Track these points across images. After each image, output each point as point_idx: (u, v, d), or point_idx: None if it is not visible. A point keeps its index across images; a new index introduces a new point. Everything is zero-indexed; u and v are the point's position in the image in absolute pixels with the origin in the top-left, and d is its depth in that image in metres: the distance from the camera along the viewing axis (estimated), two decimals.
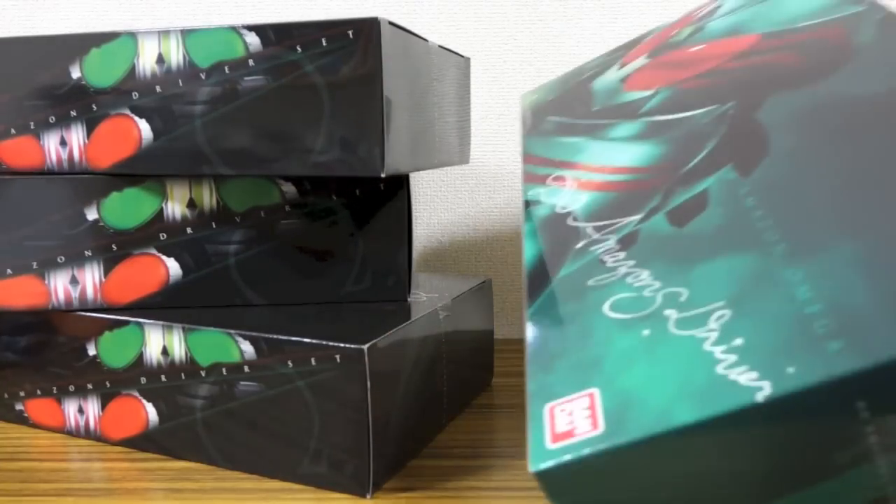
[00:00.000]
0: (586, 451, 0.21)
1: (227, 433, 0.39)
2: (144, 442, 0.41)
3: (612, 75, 0.40)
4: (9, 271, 0.42)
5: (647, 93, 0.37)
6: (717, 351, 0.22)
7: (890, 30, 0.30)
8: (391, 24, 0.37)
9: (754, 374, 0.21)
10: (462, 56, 0.50)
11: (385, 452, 0.37)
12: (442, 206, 0.65)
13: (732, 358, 0.22)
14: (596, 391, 0.23)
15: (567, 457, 0.22)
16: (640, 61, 0.40)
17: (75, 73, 0.40)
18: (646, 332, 0.24)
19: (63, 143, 0.41)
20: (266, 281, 0.42)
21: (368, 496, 0.36)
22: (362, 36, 0.36)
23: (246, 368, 0.38)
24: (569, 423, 0.23)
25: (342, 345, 0.35)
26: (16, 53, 0.40)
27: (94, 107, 0.40)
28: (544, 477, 0.22)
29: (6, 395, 0.45)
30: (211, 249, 0.42)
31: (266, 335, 0.37)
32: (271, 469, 0.38)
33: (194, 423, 0.40)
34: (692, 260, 0.26)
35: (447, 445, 0.42)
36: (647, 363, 0.23)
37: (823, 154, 0.27)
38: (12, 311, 0.42)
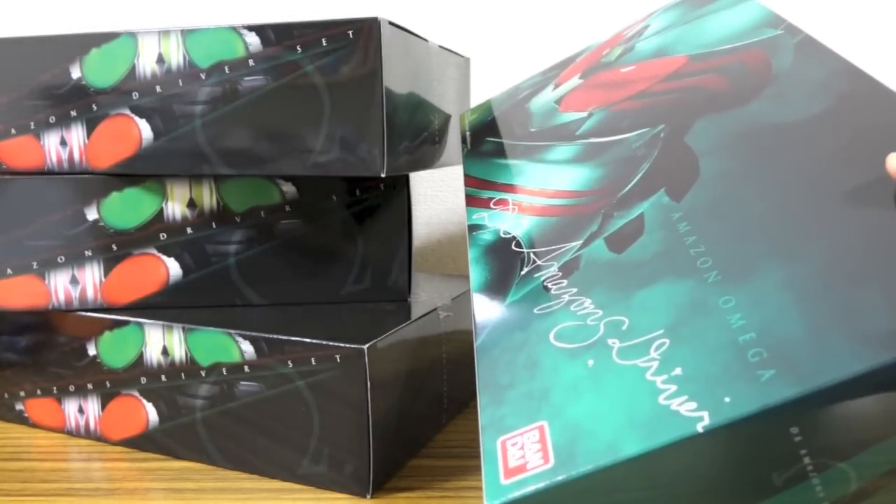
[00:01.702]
0: (538, 485, 0.22)
1: (227, 433, 0.39)
2: (144, 442, 0.41)
3: (548, 95, 0.41)
4: (9, 271, 0.42)
5: (582, 114, 0.37)
6: (658, 381, 0.23)
7: (804, 54, 0.32)
8: (391, 24, 0.37)
9: (693, 405, 0.21)
10: (462, 56, 0.50)
11: (385, 452, 0.37)
12: (442, 206, 0.65)
13: (673, 388, 0.22)
14: (545, 424, 0.24)
15: (520, 492, 0.22)
16: (574, 81, 0.41)
17: (75, 73, 0.40)
18: (591, 361, 0.25)
19: (63, 143, 0.41)
20: (266, 281, 0.42)
21: (368, 496, 0.36)
22: (362, 36, 0.36)
23: (246, 368, 0.38)
24: (520, 457, 0.23)
25: (342, 345, 0.35)
26: (16, 53, 0.40)
27: (95, 107, 0.40)
28: None
29: (6, 395, 0.45)
30: (211, 249, 0.42)
31: (266, 335, 0.37)
32: (271, 469, 0.38)
33: (194, 423, 0.40)
34: (632, 287, 0.27)
35: (447, 445, 0.42)
36: (593, 394, 0.24)
37: (750, 178, 0.28)
38: (12, 311, 0.42)
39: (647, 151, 0.32)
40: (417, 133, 0.41)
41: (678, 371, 0.23)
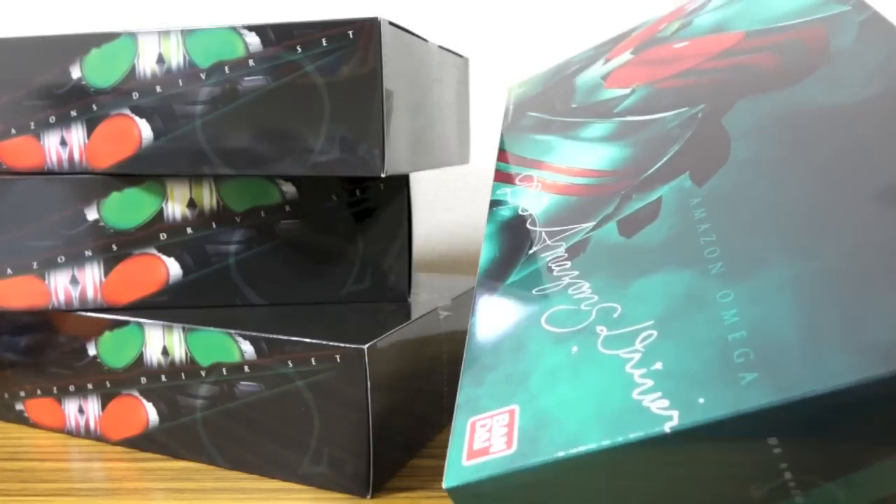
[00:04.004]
0: (495, 471, 0.21)
1: (227, 433, 0.39)
2: (144, 442, 0.41)
3: (596, 70, 0.40)
4: (9, 271, 0.42)
5: (625, 91, 0.36)
6: (637, 374, 0.22)
7: (869, 33, 0.29)
8: (391, 24, 0.37)
9: (665, 403, 0.20)
10: (462, 56, 0.50)
11: (385, 452, 0.37)
12: (442, 206, 0.65)
13: (649, 383, 0.21)
14: (517, 408, 0.23)
15: (476, 476, 0.22)
16: (625, 57, 0.39)
17: (75, 73, 0.40)
18: (575, 348, 0.24)
19: (63, 143, 0.41)
20: (266, 281, 0.42)
21: (368, 496, 0.36)
22: (362, 36, 0.36)
23: (246, 368, 0.38)
24: (486, 440, 0.22)
25: (342, 345, 0.35)
26: (16, 53, 0.40)
27: (95, 107, 0.40)
28: (455, 494, 0.22)
29: (6, 395, 0.45)
30: (211, 249, 0.42)
31: (266, 335, 0.37)
32: (271, 469, 0.38)
33: (194, 423, 0.40)
34: (632, 274, 0.25)
35: (447, 445, 0.42)
36: (569, 382, 0.23)
37: (780, 165, 0.26)
38: (12, 311, 0.42)
39: (681, 132, 0.30)
40: (417, 133, 0.41)
41: (658, 366, 0.21)
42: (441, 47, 0.45)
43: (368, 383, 0.35)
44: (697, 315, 0.22)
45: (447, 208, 0.65)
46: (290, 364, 0.37)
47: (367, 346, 0.35)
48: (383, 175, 0.36)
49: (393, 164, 0.37)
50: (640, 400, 0.21)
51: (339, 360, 0.36)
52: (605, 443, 0.20)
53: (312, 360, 0.36)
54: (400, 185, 0.42)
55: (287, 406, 0.37)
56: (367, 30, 0.36)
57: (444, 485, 0.22)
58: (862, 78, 0.27)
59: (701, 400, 0.20)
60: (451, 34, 0.63)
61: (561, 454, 0.21)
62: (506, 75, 0.63)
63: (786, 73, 0.30)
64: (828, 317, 0.20)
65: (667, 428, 0.20)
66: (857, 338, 0.19)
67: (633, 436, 0.20)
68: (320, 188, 0.41)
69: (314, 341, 0.36)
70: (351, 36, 0.36)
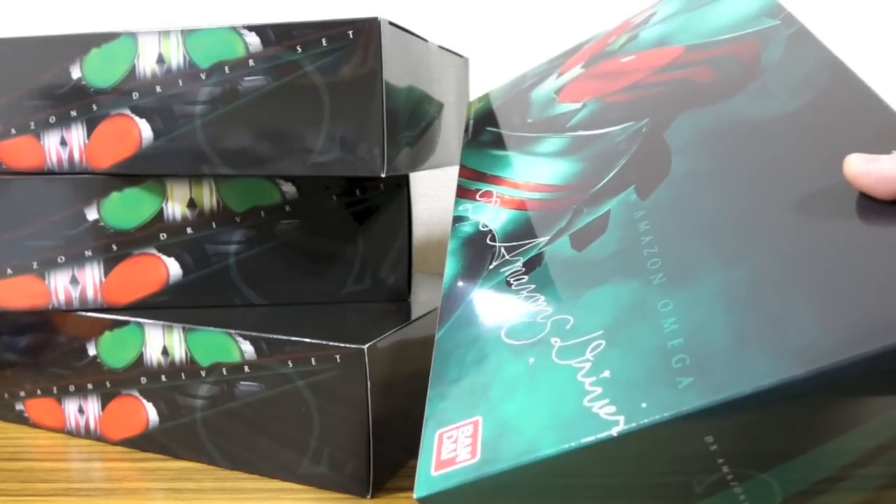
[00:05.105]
0: (461, 479, 0.23)
1: (227, 433, 0.39)
2: (144, 442, 0.41)
3: (550, 85, 0.41)
4: (9, 271, 0.42)
5: (576, 105, 0.37)
6: (587, 382, 0.23)
7: (795, 46, 0.31)
8: (391, 24, 0.37)
9: (613, 408, 0.22)
10: (462, 56, 0.50)
11: (385, 452, 0.37)
12: (442, 206, 0.65)
13: (598, 390, 0.23)
14: (480, 419, 0.24)
15: (444, 485, 0.23)
16: (576, 71, 0.40)
17: (75, 73, 0.40)
18: (531, 359, 0.25)
19: (63, 143, 0.41)
20: (266, 281, 0.42)
21: (368, 496, 0.36)
22: (362, 36, 0.36)
23: (246, 368, 0.38)
24: (452, 450, 0.24)
25: (342, 345, 0.35)
26: (16, 53, 0.40)
27: (95, 107, 0.40)
28: (425, 503, 0.23)
29: (6, 395, 0.45)
30: (211, 249, 0.42)
31: (266, 335, 0.37)
32: (271, 469, 0.38)
33: (194, 423, 0.40)
34: (583, 286, 0.27)
35: None
36: (526, 392, 0.24)
37: (714, 178, 0.27)
38: (12, 311, 0.42)
39: (628, 146, 0.32)
40: (417, 133, 0.41)
41: (606, 374, 0.23)
42: (441, 47, 0.45)
43: (368, 383, 0.35)
44: (641, 324, 0.24)
45: (447, 208, 0.65)
46: (290, 364, 0.37)
47: (367, 346, 0.35)
48: (383, 175, 0.36)
49: (393, 164, 0.37)
50: (590, 406, 0.22)
51: (339, 360, 0.36)
52: (560, 448, 0.22)
53: (312, 360, 0.36)
54: (400, 185, 0.42)
55: (287, 406, 0.37)
56: (367, 30, 0.36)
57: (415, 495, 0.23)
58: (788, 91, 0.29)
59: (644, 404, 0.21)
60: (451, 34, 0.63)
61: (520, 461, 0.22)
62: (506, 75, 0.63)
63: (721, 87, 0.31)
64: (753, 322, 0.21)
65: (614, 432, 0.21)
66: (779, 341, 0.20)
67: (585, 440, 0.21)
68: (320, 188, 0.41)
69: (314, 341, 0.36)
70: (351, 36, 0.36)
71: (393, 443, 0.38)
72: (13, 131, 0.41)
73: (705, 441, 0.21)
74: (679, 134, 0.30)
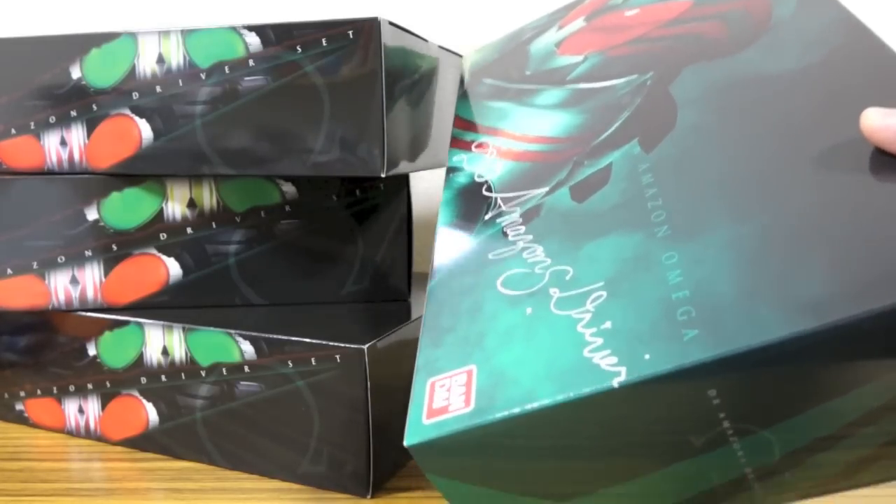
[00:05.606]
0: (454, 428, 0.22)
1: (227, 433, 0.39)
2: (144, 442, 0.41)
3: (550, 37, 0.40)
4: (9, 271, 0.42)
5: (578, 58, 0.36)
6: (588, 333, 0.23)
7: (808, 2, 0.30)
8: (391, 24, 0.37)
9: (614, 359, 0.21)
10: (462, 56, 0.50)
11: (385, 452, 0.37)
12: None
13: (599, 341, 0.22)
14: (474, 368, 0.24)
15: (436, 433, 0.22)
16: (578, 24, 0.39)
17: (75, 73, 0.40)
18: (529, 309, 0.25)
19: (63, 143, 0.41)
20: (266, 281, 0.42)
21: (368, 496, 0.36)
22: (362, 36, 0.36)
23: (246, 368, 0.38)
24: (445, 399, 0.23)
25: (342, 345, 0.35)
26: (16, 53, 0.40)
27: (95, 107, 0.40)
28: (416, 452, 0.23)
29: (6, 395, 0.45)
30: (211, 249, 0.42)
31: (266, 335, 0.37)
32: (271, 469, 0.38)
33: (194, 423, 0.40)
34: (584, 238, 0.26)
35: None
36: (523, 342, 0.24)
37: (723, 132, 0.27)
38: (12, 311, 0.42)
39: (631, 99, 0.31)
40: (417, 133, 0.41)
41: (608, 325, 0.22)
42: (441, 47, 0.45)
43: (368, 383, 0.35)
44: (644, 276, 0.23)
45: None
46: (290, 364, 0.37)
47: (367, 346, 0.35)
48: (383, 175, 0.36)
49: (393, 164, 0.37)
50: (590, 357, 0.22)
51: (339, 360, 0.36)
52: (559, 398, 0.21)
53: (312, 360, 0.36)
54: (400, 185, 0.42)
55: (287, 406, 0.37)
56: (367, 30, 0.36)
57: (406, 442, 0.23)
58: (801, 47, 0.28)
59: (647, 356, 0.21)
60: (451, 34, 0.63)
61: (516, 410, 0.22)
62: None
63: (730, 42, 0.31)
64: (763, 275, 0.21)
65: (615, 383, 0.21)
66: (789, 294, 0.20)
67: (584, 391, 0.21)
68: (320, 188, 0.41)
69: (314, 341, 0.36)
70: (351, 36, 0.36)
71: (393, 443, 0.38)
72: (13, 131, 0.41)
73: (708, 395, 0.20)
74: (685, 87, 0.30)
